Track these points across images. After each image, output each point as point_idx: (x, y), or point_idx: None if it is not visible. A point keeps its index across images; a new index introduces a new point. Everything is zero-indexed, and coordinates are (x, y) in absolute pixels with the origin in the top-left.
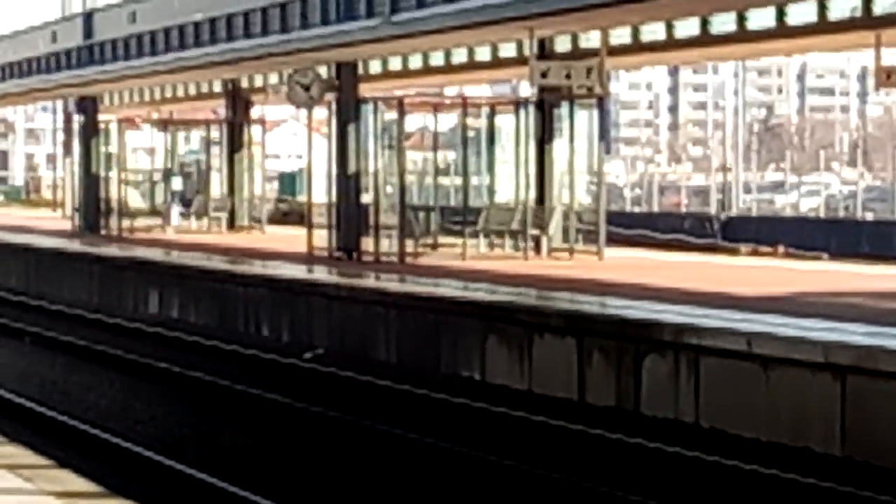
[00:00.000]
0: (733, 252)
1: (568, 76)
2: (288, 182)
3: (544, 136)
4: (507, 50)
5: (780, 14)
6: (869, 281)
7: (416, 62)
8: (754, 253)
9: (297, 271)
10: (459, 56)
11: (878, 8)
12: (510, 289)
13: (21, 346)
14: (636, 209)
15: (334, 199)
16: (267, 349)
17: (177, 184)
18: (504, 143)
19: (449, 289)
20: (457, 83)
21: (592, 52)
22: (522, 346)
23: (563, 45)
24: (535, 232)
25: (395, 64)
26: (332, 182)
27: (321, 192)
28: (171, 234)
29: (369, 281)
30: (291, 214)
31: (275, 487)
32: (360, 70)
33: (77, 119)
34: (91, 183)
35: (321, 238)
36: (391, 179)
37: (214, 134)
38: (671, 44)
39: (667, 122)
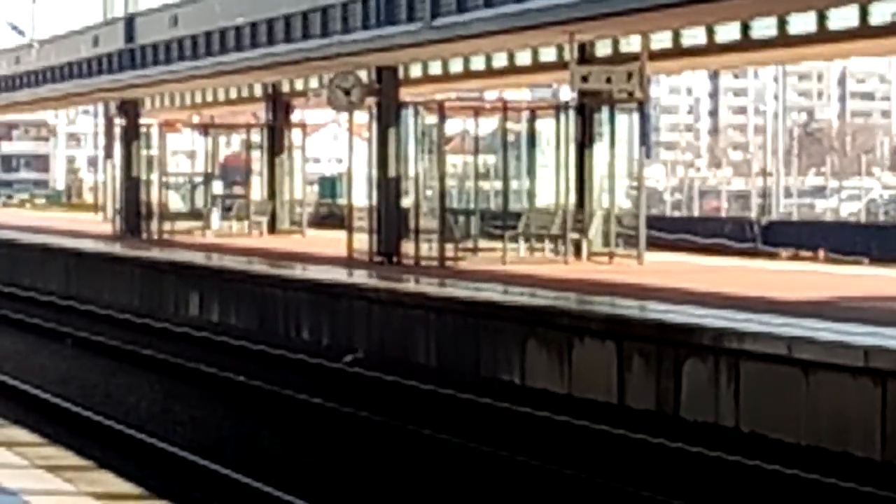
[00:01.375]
0: (773, 256)
1: (608, 80)
2: (328, 186)
3: (584, 141)
4: (548, 54)
5: (822, 19)
6: None
7: (456, 66)
8: (794, 257)
9: (337, 275)
10: (500, 60)
11: None
12: (550, 293)
13: (62, 349)
14: (676, 213)
15: (374, 202)
16: (307, 352)
17: (217, 187)
18: (544, 147)
19: (489, 292)
20: (497, 87)
21: (633, 57)
22: (562, 350)
23: (603, 49)
24: (575, 236)
25: (436, 68)
26: (372, 186)
27: (362, 195)
28: (212, 237)
29: (409, 285)
30: (332, 218)
31: (314, 491)
32: (401, 74)
33: (118, 122)
34: (132, 186)
35: (361, 242)
36: (431, 183)
37: (255, 138)
38: (712, 48)
39: (707, 127)
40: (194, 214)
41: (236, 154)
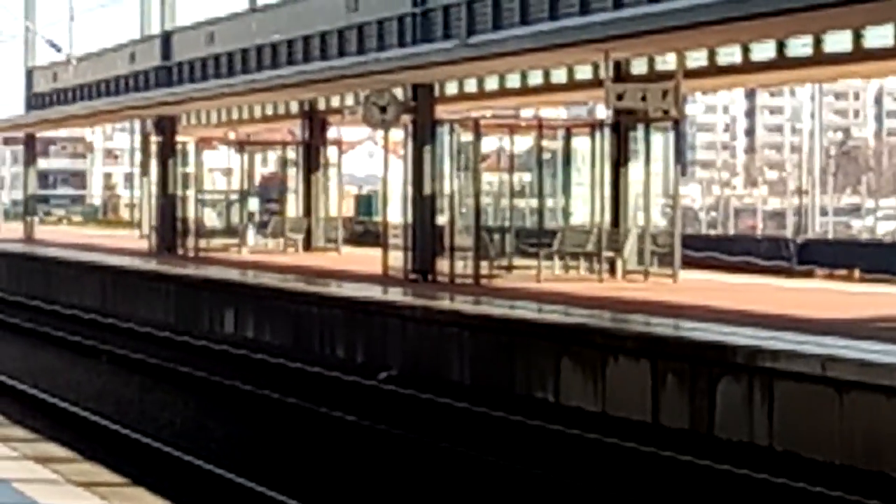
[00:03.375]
0: (809, 275)
1: (644, 99)
2: (364, 203)
3: (620, 159)
4: (583, 72)
5: (857, 37)
6: None
7: (491, 84)
8: (830, 277)
9: (372, 292)
10: (535, 78)
11: None
12: (585, 311)
13: (97, 365)
14: (712, 232)
15: (409, 219)
16: (342, 369)
17: (253, 204)
18: (579, 165)
19: (523, 311)
20: (532, 105)
21: (668, 75)
22: (596, 369)
23: (639, 67)
24: (610, 254)
25: (471, 86)
26: (407, 203)
27: (397, 213)
28: (247, 254)
29: (444, 302)
30: (367, 235)
31: None
32: (436, 92)
33: (155, 139)
34: (168, 203)
35: (396, 259)
36: (466, 201)
37: (291, 155)
38: (747, 66)
39: (743, 145)
40: (230, 231)
41: (273, 174)
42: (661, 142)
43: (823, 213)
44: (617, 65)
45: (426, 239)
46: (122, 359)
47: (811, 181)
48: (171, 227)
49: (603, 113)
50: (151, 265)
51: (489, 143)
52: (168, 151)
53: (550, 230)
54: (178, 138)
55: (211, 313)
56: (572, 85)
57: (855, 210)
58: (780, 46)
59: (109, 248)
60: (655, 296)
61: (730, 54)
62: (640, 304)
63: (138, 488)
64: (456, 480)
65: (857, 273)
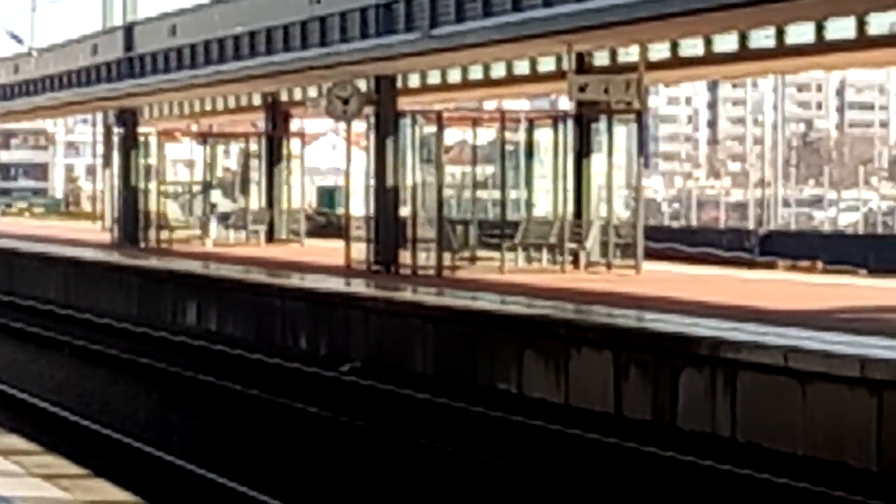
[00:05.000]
0: (771, 267)
1: (606, 91)
2: (327, 195)
3: (582, 151)
4: (546, 64)
5: (819, 29)
6: None
7: (455, 76)
8: (792, 268)
9: (334, 284)
10: (498, 70)
11: None
12: (547, 302)
13: (60, 357)
14: (674, 224)
15: (372, 212)
16: (305, 361)
17: (216, 196)
18: (542, 157)
19: (486, 302)
20: (496, 97)
21: (631, 67)
22: (559, 360)
23: (601, 59)
24: (573, 246)
25: (435, 78)
26: (370, 195)
27: (360, 205)
28: (210, 246)
29: (407, 294)
30: (330, 227)
31: (309, 497)
32: (399, 84)
33: (117, 131)
34: (130, 195)
35: (359, 251)
36: (429, 193)
37: (254, 147)
38: (710, 59)
39: (706, 137)
40: (192, 224)
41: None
42: (623, 134)
43: (786, 204)
44: (580, 57)
45: (389, 231)
46: (84, 351)
47: (773, 173)
48: (133, 219)
49: (566, 105)
50: (113, 257)
51: (452, 135)
52: (130, 143)
53: (513, 222)
54: (141, 130)
55: (173, 306)
56: (535, 77)
57: (817, 201)
58: (743, 38)
59: (71, 240)
60: (618, 287)
61: (692, 46)
62: (603, 296)
63: (100, 480)
64: (417, 471)
65: (819, 264)
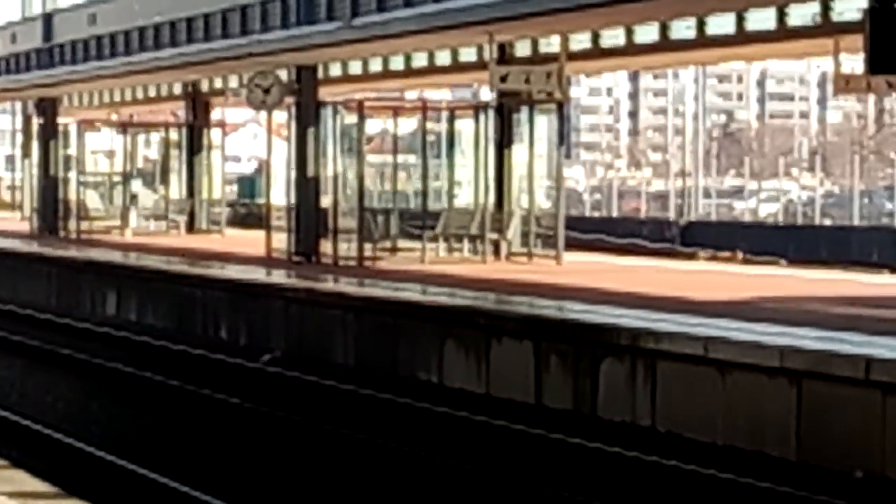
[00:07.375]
0: (692, 257)
1: (528, 81)
2: (247, 185)
3: (504, 141)
4: (468, 54)
5: (740, 20)
6: (824, 286)
7: (376, 66)
8: (713, 258)
9: (255, 274)
10: (420, 60)
11: (837, 15)
12: (468, 293)
13: None
14: (595, 214)
15: (293, 202)
16: (225, 352)
17: (136, 186)
18: (464, 148)
19: (407, 292)
20: (417, 87)
21: (552, 57)
22: (480, 350)
23: (523, 49)
24: (494, 236)
25: (356, 68)
26: (291, 185)
27: (281, 194)
28: (130, 236)
29: (327, 284)
30: (251, 217)
31: (230, 489)
32: (321, 73)
33: (36, 121)
34: (49, 185)
35: (280, 241)
36: (350, 183)
37: (174, 136)
38: (631, 49)
39: (627, 128)
40: (112, 213)
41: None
42: (545, 124)
43: (706, 195)
44: (501, 47)
45: (310, 221)
46: (3, 341)
47: (694, 163)
48: (52, 209)
49: (487, 95)
50: (32, 247)
51: (373, 125)
52: (50, 133)
53: (434, 212)
54: (60, 120)
55: (93, 295)
56: (457, 67)
57: (737, 192)
58: (664, 29)
59: None
60: (539, 277)
61: (613, 37)
62: (524, 286)
63: (18, 471)
64: (341, 463)
65: (739, 254)
